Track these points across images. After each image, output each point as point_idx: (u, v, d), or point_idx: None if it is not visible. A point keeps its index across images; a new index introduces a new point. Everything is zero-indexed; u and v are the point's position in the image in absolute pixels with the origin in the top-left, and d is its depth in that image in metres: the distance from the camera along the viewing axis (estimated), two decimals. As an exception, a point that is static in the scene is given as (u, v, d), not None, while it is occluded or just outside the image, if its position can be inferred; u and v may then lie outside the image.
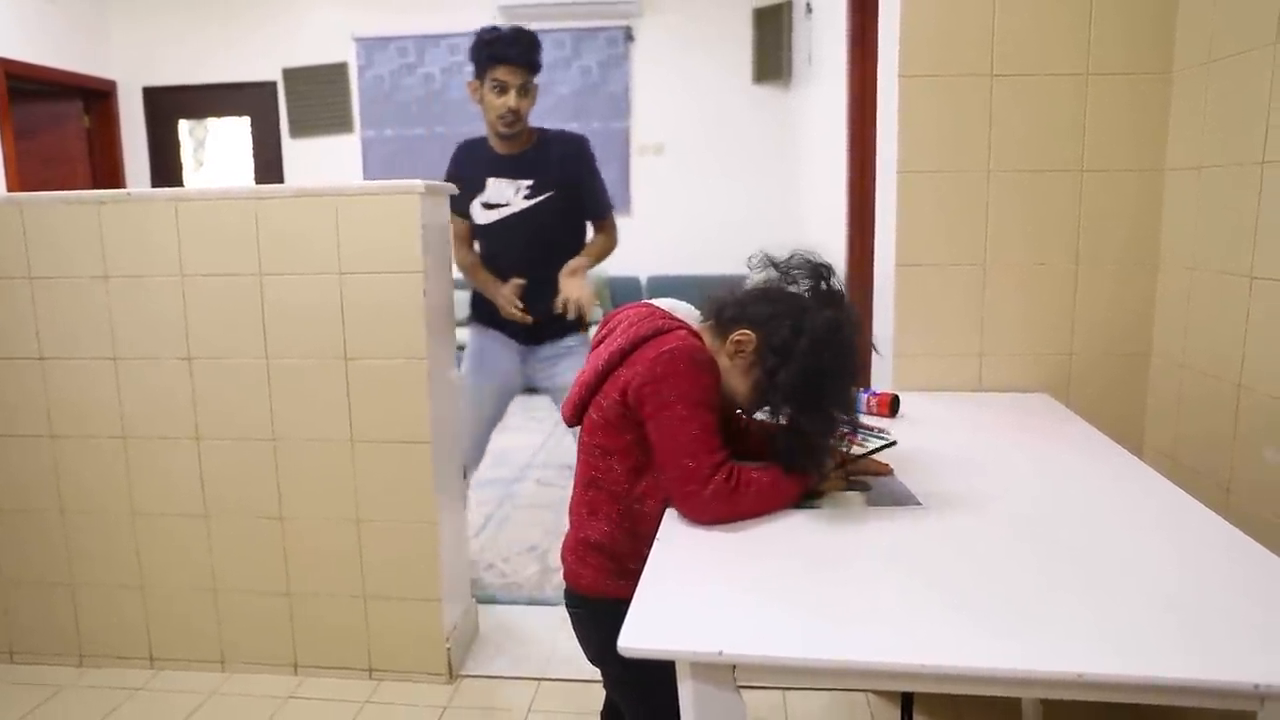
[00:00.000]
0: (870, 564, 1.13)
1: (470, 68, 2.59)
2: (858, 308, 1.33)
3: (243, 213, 2.20)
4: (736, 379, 1.31)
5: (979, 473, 1.46)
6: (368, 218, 2.16)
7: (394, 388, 2.21)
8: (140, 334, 2.28)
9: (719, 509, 1.22)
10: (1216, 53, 1.74)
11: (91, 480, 2.37)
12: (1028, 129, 1.93)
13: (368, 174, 6.32)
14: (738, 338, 1.29)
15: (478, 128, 2.72)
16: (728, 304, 1.32)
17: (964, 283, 1.99)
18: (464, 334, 2.62)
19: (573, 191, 2.59)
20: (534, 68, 2.50)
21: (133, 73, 6.46)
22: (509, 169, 2.57)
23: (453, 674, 2.33)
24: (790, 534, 1.21)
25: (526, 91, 2.51)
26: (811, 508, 1.28)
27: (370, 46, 6.22)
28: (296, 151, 6.44)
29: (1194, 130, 1.82)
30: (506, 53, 2.45)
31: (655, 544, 1.18)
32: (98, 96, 6.37)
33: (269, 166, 6.48)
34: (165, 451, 2.32)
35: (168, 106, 6.54)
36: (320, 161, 6.34)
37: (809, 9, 4.78)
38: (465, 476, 2.53)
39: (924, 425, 1.78)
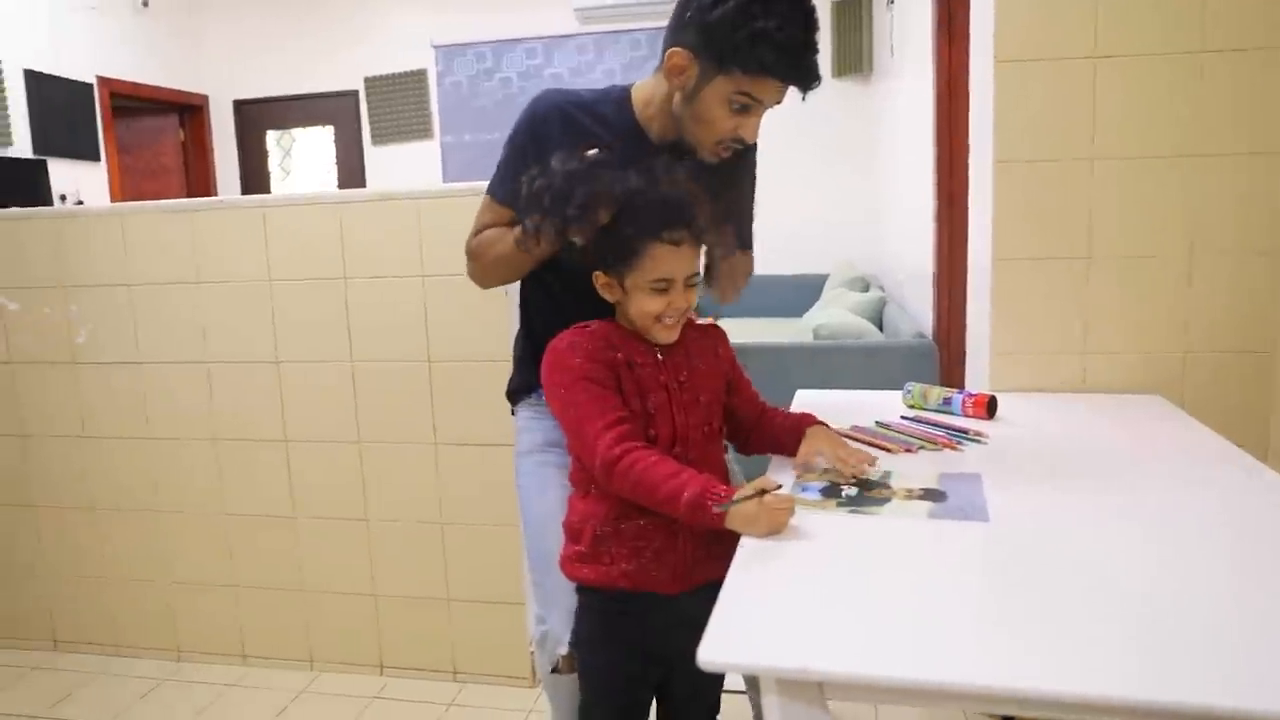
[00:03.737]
0: (947, 579, 1.06)
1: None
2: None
3: (327, 218, 2.23)
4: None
5: (1080, 480, 1.37)
6: (448, 220, 2.16)
7: (477, 390, 2.20)
8: (230, 338, 2.34)
9: (607, 482, 1.24)
10: (1349, 24, 1.60)
11: (185, 481, 2.44)
12: (1134, 113, 1.81)
13: (447, 179, 6.41)
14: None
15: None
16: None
17: (1066, 277, 1.88)
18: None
19: (725, 211, 1.48)
20: (810, 86, 1.37)
21: (223, 87, 6.70)
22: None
23: (537, 678, 2.32)
24: (854, 545, 1.15)
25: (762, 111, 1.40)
26: (870, 513, 1.22)
27: (449, 53, 6.31)
28: (378, 158, 6.57)
29: (1322, 109, 1.68)
30: (791, 66, 1.31)
31: (737, 554, 1.12)
32: (192, 110, 6.63)
33: (352, 173, 6.64)
34: (254, 454, 2.38)
35: (256, 118, 6.76)
36: (401, 168, 6.46)
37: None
38: (557, 668, 1.52)
39: (1022, 428, 1.69)
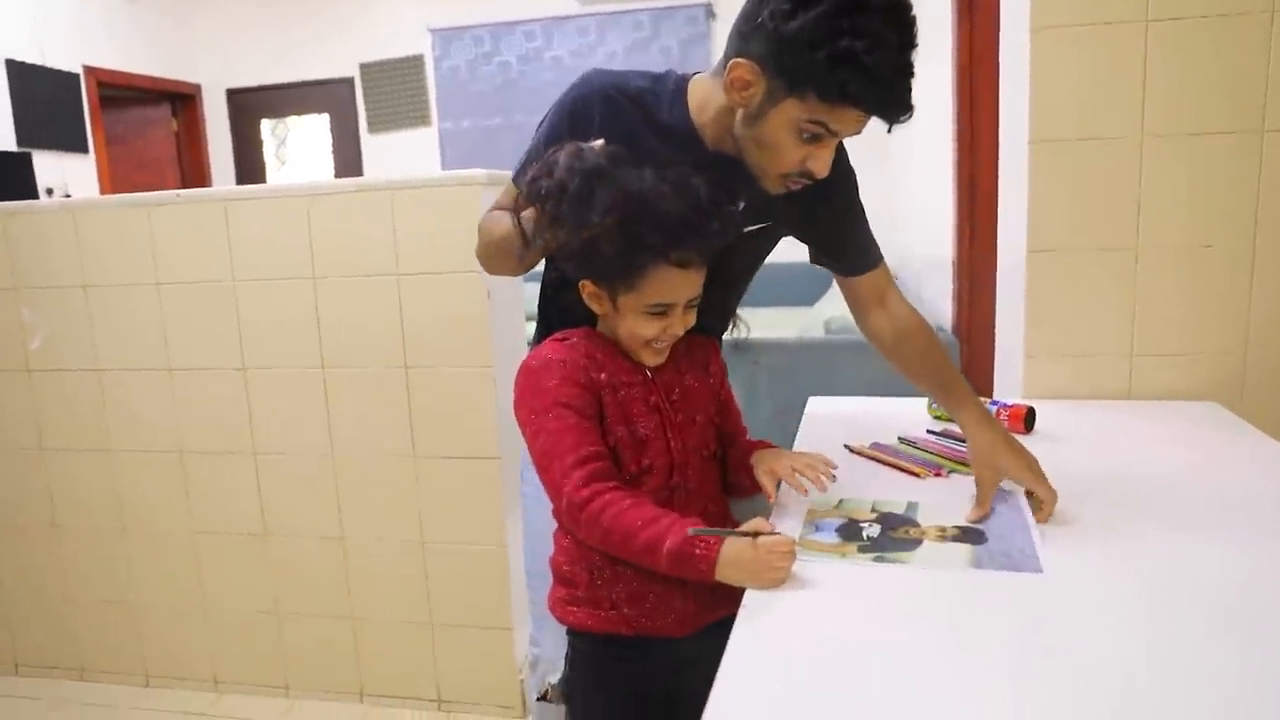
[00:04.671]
0: (994, 650, 0.87)
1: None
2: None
3: (294, 211, 2.04)
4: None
5: (1141, 513, 1.17)
6: (427, 212, 1.98)
7: (458, 399, 2.02)
8: (194, 343, 2.16)
9: (573, 528, 1.10)
10: None
11: (150, 497, 2.27)
12: (1190, 83, 1.60)
13: (446, 166, 6.21)
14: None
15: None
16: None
17: (1111, 270, 1.68)
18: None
19: (812, 231, 1.41)
20: (898, 119, 1.10)
21: (216, 75, 6.51)
22: (718, 173, 1.17)
23: (527, 707, 2.14)
24: (881, 603, 0.96)
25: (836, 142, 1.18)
26: (899, 561, 1.03)
27: (446, 37, 6.10)
28: (375, 146, 6.38)
29: None
30: (878, 96, 1.06)
31: (740, 612, 0.94)
32: (184, 100, 6.45)
33: (348, 162, 6.45)
34: (222, 467, 2.20)
35: (250, 107, 6.58)
36: (399, 155, 6.27)
37: (905, -28, 4.42)
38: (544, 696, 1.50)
39: (1066, 445, 1.49)
